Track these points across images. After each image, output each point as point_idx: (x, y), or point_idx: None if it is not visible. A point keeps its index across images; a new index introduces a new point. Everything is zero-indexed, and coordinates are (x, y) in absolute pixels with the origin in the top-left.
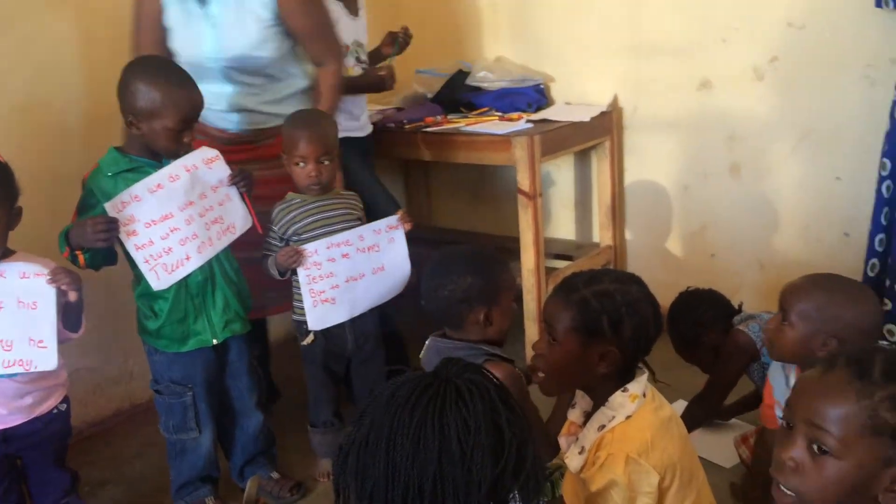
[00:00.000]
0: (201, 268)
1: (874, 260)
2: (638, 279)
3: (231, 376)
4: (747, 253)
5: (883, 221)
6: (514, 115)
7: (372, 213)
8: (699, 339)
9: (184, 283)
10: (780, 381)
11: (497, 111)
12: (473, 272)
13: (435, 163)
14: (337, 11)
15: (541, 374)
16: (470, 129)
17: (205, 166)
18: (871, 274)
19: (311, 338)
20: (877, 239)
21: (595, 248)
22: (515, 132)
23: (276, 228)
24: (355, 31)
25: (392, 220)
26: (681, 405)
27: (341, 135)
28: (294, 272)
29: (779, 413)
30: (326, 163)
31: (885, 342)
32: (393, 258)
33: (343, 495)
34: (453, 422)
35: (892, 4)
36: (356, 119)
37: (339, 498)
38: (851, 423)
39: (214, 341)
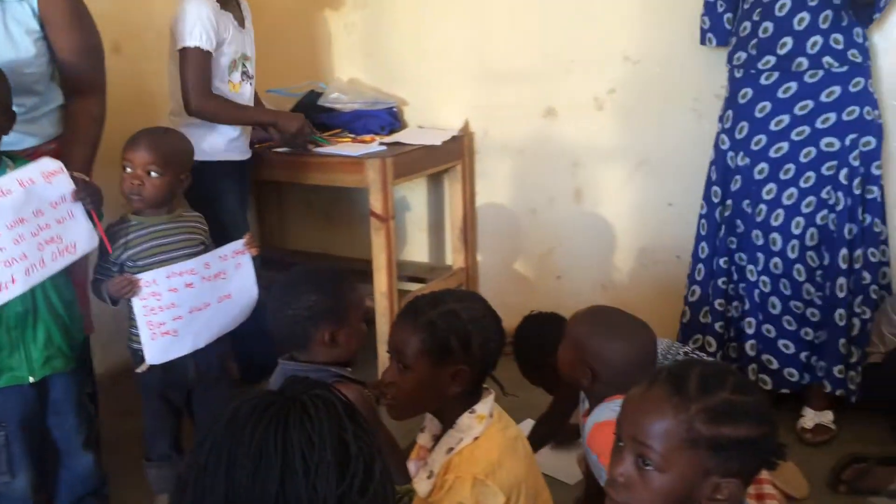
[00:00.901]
0: (22, 298)
1: (713, 281)
2: (478, 296)
3: (54, 415)
4: (590, 275)
5: (727, 245)
6: (367, 137)
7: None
8: (543, 362)
9: (0, 311)
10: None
11: (350, 133)
12: (319, 290)
13: (287, 184)
14: (225, 23)
15: (390, 401)
16: (322, 150)
17: (43, 180)
18: (691, 298)
19: (145, 365)
20: (720, 260)
21: (448, 270)
22: (368, 154)
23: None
24: (243, 44)
25: (238, 244)
26: (528, 425)
27: (219, 157)
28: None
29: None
30: (154, 175)
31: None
32: (240, 284)
33: None
34: (297, 438)
35: (714, 42)
36: (237, 140)
37: None
38: (671, 438)
39: (31, 379)
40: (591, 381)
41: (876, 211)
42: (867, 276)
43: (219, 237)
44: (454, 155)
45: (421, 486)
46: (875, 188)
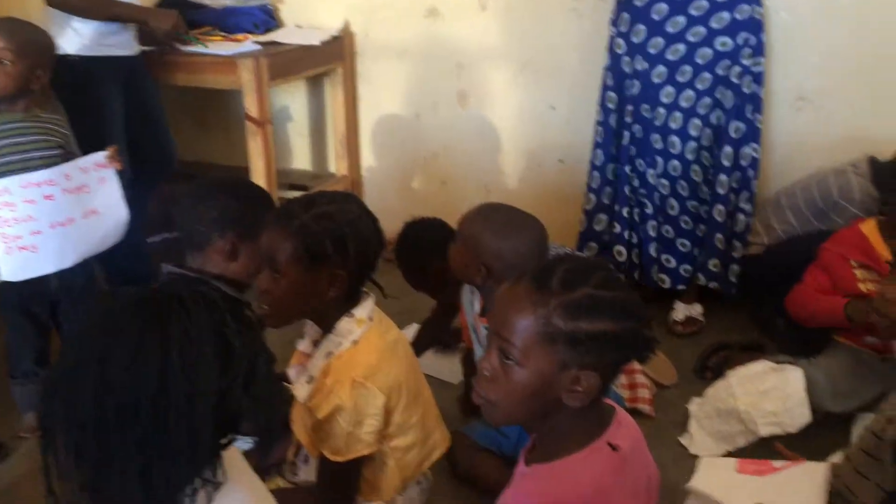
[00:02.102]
0: None
1: (608, 188)
2: (354, 197)
3: None
4: (475, 179)
5: (613, 151)
6: (240, 35)
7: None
8: (426, 267)
9: None
10: (468, 303)
11: (221, 31)
12: (236, 196)
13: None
14: None
15: (265, 308)
16: (191, 48)
17: None
18: (606, 201)
19: None
20: (626, 168)
21: (332, 178)
22: (241, 54)
23: None
24: None
25: (99, 156)
26: (413, 329)
27: (96, 52)
28: None
29: (471, 333)
30: (6, 64)
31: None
32: (106, 200)
33: (50, 440)
34: (175, 333)
35: None
36: (118, 34)
37: (46, 446)
38: (529, 333)
39: None
40: (485, 278)
41: (758, 107)
42: (751, 172)
43: (97, 150)
44: (334, 57)
45: (300, 391)
46: (756, 85)
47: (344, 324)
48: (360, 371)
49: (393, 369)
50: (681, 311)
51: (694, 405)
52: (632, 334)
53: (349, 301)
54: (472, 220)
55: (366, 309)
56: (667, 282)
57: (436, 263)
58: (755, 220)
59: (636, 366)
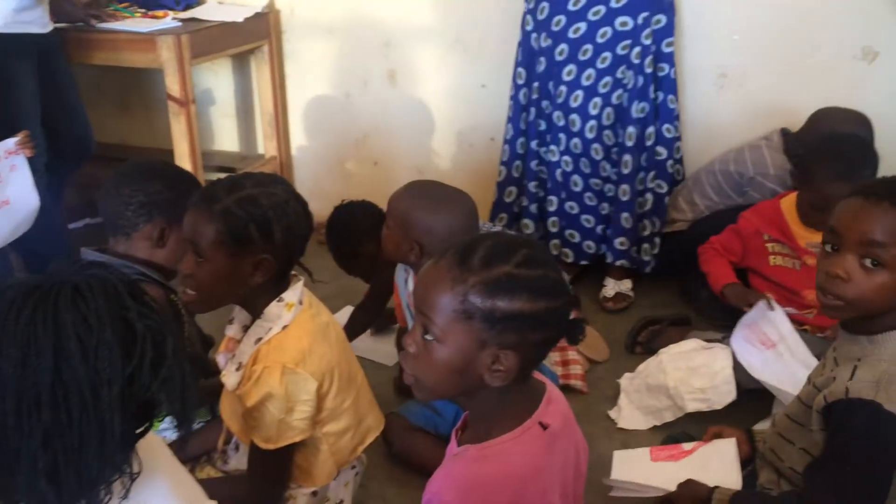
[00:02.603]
0: None
1: (518, 162)
2: (281, 179)
3: None
4: (407, 159)
5: (521, 126)
6: (160, 12)
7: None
8: (356, 251)
9: None
10: (402, 282)
11: (140, 7)
12: (166, 181)
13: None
14: None
15: (189, 292)
16: (107, 26)
17: None
18: (515, 175)
19: None
20: (518, 142)
21: (260, 159)
22: (160, 31)
23: None
24: None
25: (9, 143)
26: (347, 311)
27: (9, 30)
28: None
29: (405, 312)
30: None
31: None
32: (18, 189)
33: None
34: (70, 320)
35: None
36: (31, 11)
37: None
38: (447, 310)
39: None
40: (418, 255)
41: (669, 87)
42: (663, 151)
43: (7, 134)
44: (259, 34)
45: (229, 378)
46: (666, 65)
47: (273, 308)
48: (291, 356)
49: (325, 353)
50: (611, 287)
51: (624, 380)
52: (552, 315)
53: (278, 285)
54: (402, 198)
55: (295, 292)
56: (570, 256)
57: (367, 247)
58: (679, 198)
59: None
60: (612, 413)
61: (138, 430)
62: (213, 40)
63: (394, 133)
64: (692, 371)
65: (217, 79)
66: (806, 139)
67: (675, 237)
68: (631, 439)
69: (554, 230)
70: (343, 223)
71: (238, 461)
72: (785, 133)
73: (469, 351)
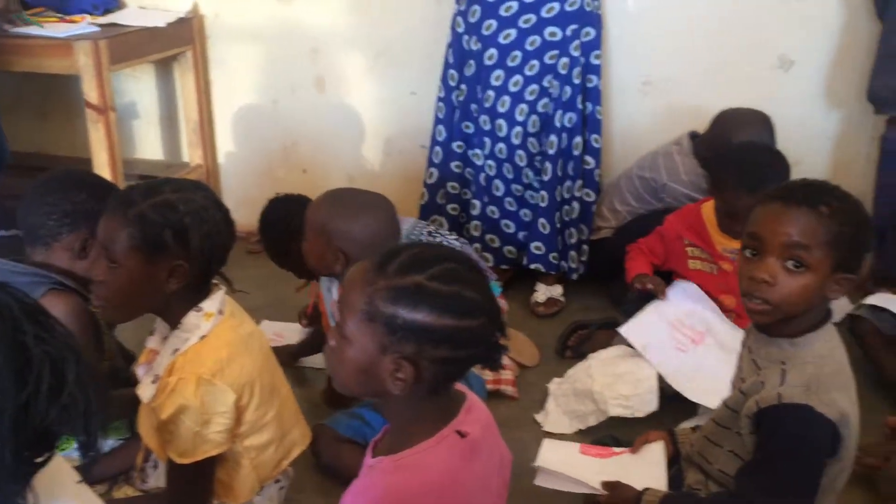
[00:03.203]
0: None
1: (457, 162)
2: (203, 185)
3: None
4: (337, 167)
5: (463, 129)
6: (77, 17)
7: None
8: (291, 246)
9: None
10: (326, 291)
11: (56, 12)
12: (92, 192)
13: None
14: None
15: (101, 301)
16: (22, 30)
17: None
18: (445, 177)
19: None
20: (455, 145)
21: (185, 167)
22: (77, 35)
23: None
24: None
25: None
26: (267, 326)
27: None
28: None
29: (331, 321)
30: None
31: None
32: None
33: None
34: None
35: None
36: None
37: None
38: (356, 309)
39: None
40: (344, 264)
41: (596, 98)
42: (591, 161)
43: None
44: (183, 40)
45: (144, 391)
46: (595, 77)
47: (191, 318)
48: (208, 367)
49: (245, 365)
50: (542, 292)
51: (553, 384)
52: (460, 334)
53: (196, 294)
54: (320, 208)
55: (215, 302)
56: (490, 260)
57: (300, 243)
58: (602, 206)
59: None
60: (539, 417)
61: (39, 460)
62: (133, 46)
63: (323, 140)
64: (618, 377)
65: (139, 86)
66: (711, 142)
67: (601, 244)
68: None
69: (476, 234)
70: (277, 218)
71: (157, 479)
72: (693, 136)
73: (372, 354)
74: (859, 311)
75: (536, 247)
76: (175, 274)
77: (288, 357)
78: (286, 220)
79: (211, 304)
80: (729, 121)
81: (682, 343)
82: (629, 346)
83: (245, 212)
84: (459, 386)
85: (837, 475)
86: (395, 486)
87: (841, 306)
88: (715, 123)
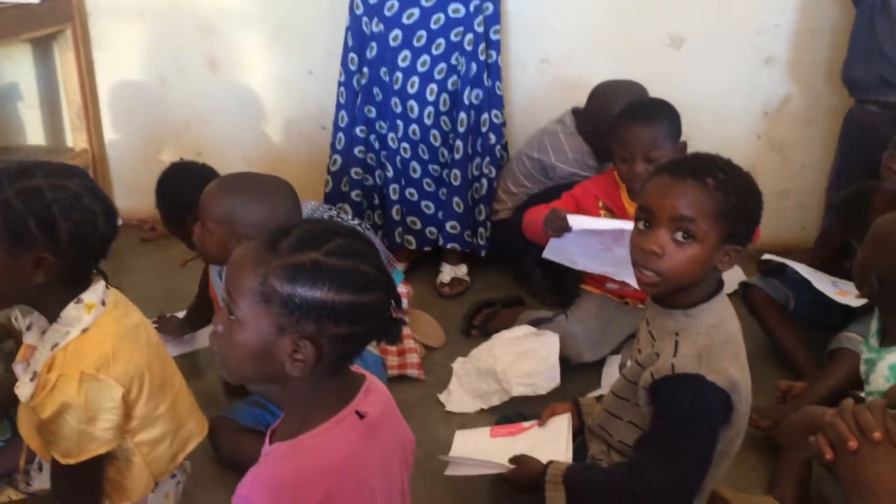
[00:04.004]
0: None
1: (360, 147)
2: (81, 172)
3: None
4: (234, 150)
5: (365, 114)
6: None
7: None
8: (185, 216)
9: None
10: (216, 276)
11: None
12: None
13: None
14: None
15: None
16: None
17: None
18: (351, 163)
19: None
20: (358, 129)
21: (69, 153)
22: None
23: None
24: None
25: None
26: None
27: None
28: None
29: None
30: None
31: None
32: None
33: None
34: None
35: None
36: None
37: None
38: (248, 290)
39: None
40: None
41: (496, 74)
42: (493, 137)
43: None
44: (60, 17)
45: (22, 390)
46: (494, 52)
47: (70, 311)
48: (92, 361)
49: (133, 357)
50: (447, 272)
51: (457, 364)
52: (359, 309)
53: (74, 285)
54: (219, 196)
55: (97, 293)
56: (413, 243)
57: (197, 212)
58: (498, 189)
59: (405, 331)
60: (442, 397)
61: None
62: (3, 24)
63: (218, 122)
64: (520, 356)
65: (16, 67)
66: (591, 115)
67: (500, 225)
68: (468, 423)
69: (397, 218)
70: (175, 186)
71: (42, 481)
72: (576, 112)
73: (268, 336)
74: (752, 280)
75: (452, 226)
76: (41, 266)
77: (176, 328)
78: (184, 187)
79: (92, 294)
80: (606, 92)
81: (605, 244)
82: (533, 324)
83: (136, 198)
84: (357, 368)
85: (732, 440)
86: (292, 472)
87: (734, 276)
88: (592, 96)
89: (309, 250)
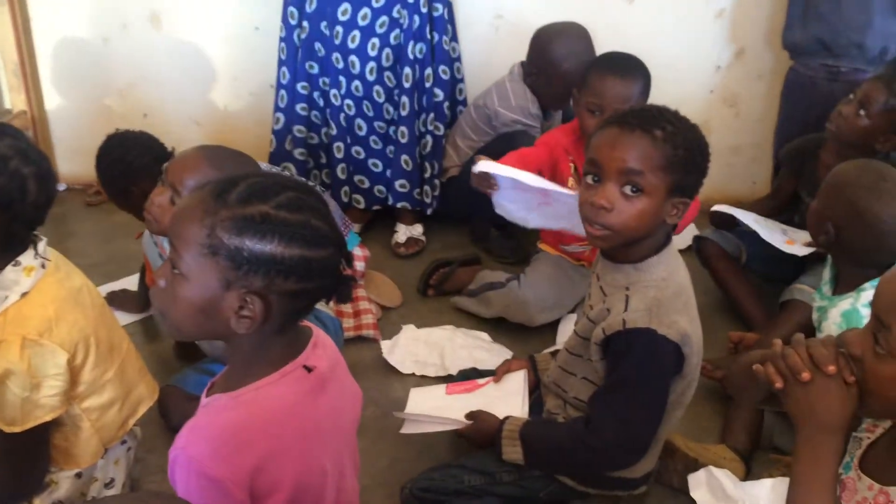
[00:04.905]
0: None
1: (302, 104)
2: (13, 131)
3: None
4: (181, 110)
5: (307, 69)
6: None
7: None
8: (131, 187)
9: None
10: (150, 246)
11: None
12: None
13: None
14: None
15: None
16: None
17: None
18: (295, 121)
19: None
20: (299, 86)
21: (7, 114)
22: None
23: None
24: None
25: None
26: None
27: None
28: None
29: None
30: None
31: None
32: None
33: None
34: None
35: None
36: None
37: None
38: (193, 243)
39: None
40: None
41: (442, 28)
42: (439, 93)
43: None
44: None
45: None
46: (440, 5)
47: (8, 274)
48: (34, 326)
49: (77, 321)
50: (402, 232)
51: (410, 328)
52: (309, 265)
53: (10, 248)
54: (197, 167)
55: (36, 254)
56: (362, 202)
57: (142, 184)
58: (447, 146)
59: (361, 293)
60: (385, 345)
61: None
62: None
63: (163, 82)
64: (477, 346)
65: None
66: (534, 60)
67: (451, 183)
68: (424, 382)
69: (343, 177)
70: (116, 157)
71: None
72: (523, 64)
73: (213, 290)
74: (705, 233)
75: (401, 185)
76: None
77: (131, 302)
78: (125, 158)
79: (30, 257)
80: (545, 35)
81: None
82: (486, 289)
83: (80, 161)
84: (307, 323)
85: (684, 390)
86: (233, 423)
87: (688, 231)
88: (534, 40)
89: (258, 202)
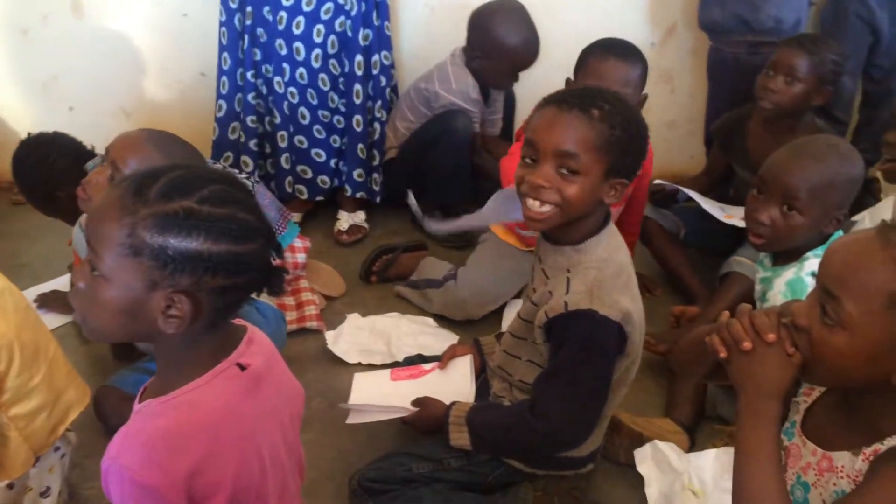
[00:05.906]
0: None
1: (239, 95)
2: None
3: None
4: (109, 102)
5: (240, 55)
6: None
7: None
8: (56, 192)
9: None
10: (78, 240)
11: None
12: None
13: None
14: None
15: None
16: None
17: None
18: (237, 108)
19: None
20: (248, 74)
21: None
22: None
23: None
24: None
25: None
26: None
27: None
28: None
29: None
30: None
31: None
32: None
33: None
34: None
35: None
36: None
37: None
38: (113, 243)
39: None
40: None
41: (385, 14)
42: (383, 79)
43: None
44: None
45: None
46: None
47: None
48: None
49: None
50: (345, 220)
51: (354, 315)
52: (238, 259)
53: None
54: (141, 150)
55: None
56: (305, 193)
57: (67, 187)
58: (387, 129)
59: (303, 284)
60: (329, 335)
61: None
62: None
63: (89, 73)
64: (423, 332)
65: None
66: (475, 41)
67: (389, 165)
68: (371, 371)
69: (286, 167)
70: (34, 163)
71: None
72: (464, 48)
73: (137, 291)
74: (644, 212)
75: (358, 174)
76: None
77: (66, 307)
78: (45, 162)
79: None
80: (484, 14)
81: None
82: (424, 286)
83: (4, 160)
84: (241, 321)
85: (628, 368)
86: (167, 428)
87: None
88: (472, 22)
89: (180, 198)
